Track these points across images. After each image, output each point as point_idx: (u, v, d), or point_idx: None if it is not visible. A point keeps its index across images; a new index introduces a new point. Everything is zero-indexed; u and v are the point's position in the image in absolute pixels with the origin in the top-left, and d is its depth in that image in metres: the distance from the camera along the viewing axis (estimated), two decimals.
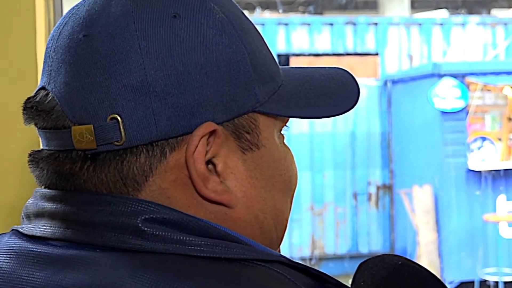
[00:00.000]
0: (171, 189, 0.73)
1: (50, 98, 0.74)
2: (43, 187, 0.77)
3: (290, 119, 0.81)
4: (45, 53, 0.77)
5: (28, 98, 0.77)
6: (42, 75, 0.77)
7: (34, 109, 0.75)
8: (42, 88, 0.75)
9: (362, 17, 9.62)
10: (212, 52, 0.73)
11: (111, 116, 0.71)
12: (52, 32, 0.78)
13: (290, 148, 0.82)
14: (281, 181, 0.79)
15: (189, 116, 0.72)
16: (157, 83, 0.71)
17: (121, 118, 0.70)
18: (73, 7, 0.77)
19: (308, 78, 0.82)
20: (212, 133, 0.73)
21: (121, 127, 0.70)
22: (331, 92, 0.82)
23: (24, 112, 0.77)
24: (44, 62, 0.77)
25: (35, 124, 0.76)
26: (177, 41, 0.72)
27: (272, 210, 0.78)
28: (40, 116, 0.74)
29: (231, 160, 0.75)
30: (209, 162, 0.74)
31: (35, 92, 0.77)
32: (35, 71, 1.44)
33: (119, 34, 0.71)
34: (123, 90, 0.71)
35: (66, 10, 1.57)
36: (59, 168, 0.74)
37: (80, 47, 0.72)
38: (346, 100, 0.83)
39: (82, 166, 0.72)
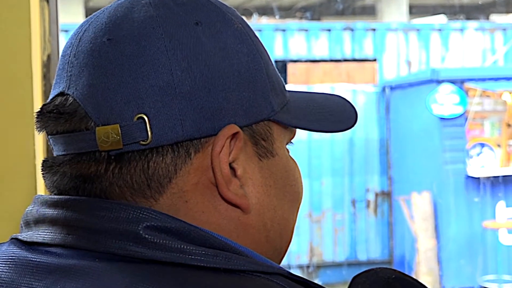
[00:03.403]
0: (191, 192, 0.74)
1: (71, 101, 0.74)
2: (54, 193, 0.77)
3: (296, 133, 0.84)
4: (62, 60, 0.78)
5: (44, 104, 0.77)
6: (59, 82, 0.77)
7: (54, 113, 0.75)
8: (60, 94, 0.76)
9: (360, 23, 9.64)
10: (233, 58, 0.75)
11: (138, 115, 0.72)
12: (68, 41, 0.78)
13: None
14: (291, 191, 0.81)
15: (213, 118, 0.73)
16: (183, 84, 0.72)
17: (147, 118, 0.71)
18: (91, 17, 0.78)
19: (310, 98, 0.86)
20: (234, 136, 0.74)
21: (148, 127, 0.71)
22: (333, 111, 0.86)
23: (39, 118, 0.77)
24: (60, 69, 0.77)
25: (51, 131, 0.76)
26: (201, 45, 0.74)
27: (281, 219, 0.79)
28: (61, 119, 0.74)
29: (249, 165, 0.76)
30: (229, 166, 0.75)
31: (50, 99, 0.77)
32: (30, 78, 1.44)
33: (145, 36, 0.73)
34: (150, 90, 0.72)
35: (61, 18, 1.57)
36: (84, 171, 0.74)
37: (104, 50, 0.74)
38: (347, 119, 0.86)
39: (107, 168, 0.73)
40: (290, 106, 0.81)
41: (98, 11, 0.79)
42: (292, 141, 0.84)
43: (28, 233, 0.76)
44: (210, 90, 0.73)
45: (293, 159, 0.83)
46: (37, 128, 0.77)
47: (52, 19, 1.50)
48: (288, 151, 0.83)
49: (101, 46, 0.74)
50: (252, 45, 0.78)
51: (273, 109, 0.78)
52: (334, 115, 0.85)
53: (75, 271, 0.70)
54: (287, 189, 0.80)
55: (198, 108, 0.73)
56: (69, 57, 0.76)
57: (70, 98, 0.74)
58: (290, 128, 0.82)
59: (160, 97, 0.72)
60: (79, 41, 0.76)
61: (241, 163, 0.75)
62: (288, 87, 0.82)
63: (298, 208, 0.83)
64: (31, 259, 0.73)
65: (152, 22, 0.74)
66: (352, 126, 0.86)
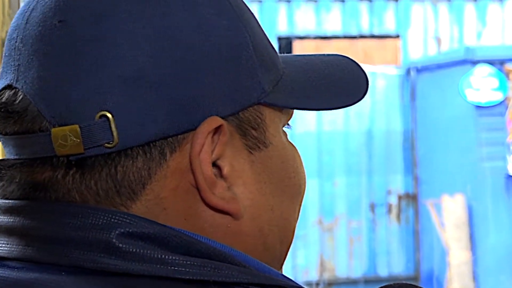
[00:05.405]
0: (169, 199, 0.74)
1: (20, 97, 0.74)
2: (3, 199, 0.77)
3: (294, 114, 0.84)
4: (8, 46, 0.77)
5: None
6: (6, 71, 0.76)
7: (2, 111, 0.75)
8: (8, 86, 0.75)
9: None
10: (212, 35, 0.75)
11: (100, 113, 0.71)
12: (14, 20, 0.78)
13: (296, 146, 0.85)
14: (290, 185, 0.81)
15: (191, 110, 0.73)
16: (152, 72, 0.72)
17: (112, 115, 0.71)
18: None
19: (309, 65, 0.85)
20: (217, 129, 0.74)
21: (113, 126, 0.71)
22: (338, 81, 0.85)
23: None
24: (6, 56, 0.77)
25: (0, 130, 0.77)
26: (172, 23, 0.74)
27: (280, 220, 0.80)
28: (10, 119, 0.74)
29: (238, 162, 0.76)
30: (213, 164, 0.75)
31: None
32: None
33: (105, 16, 0.73)
34: (113, 82, 0.72)
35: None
36: (35, 177, 0.74)
37: (56, 35, 0.73)
38: (355, 89, 0.85)
39: (65, 174, 0.73)
40: (286, 81, 0.80)
41: None
42: (289, 123, 0.83)
43: None
44: (185, 77, 0.73)
45: (291, 144, 0.82)
46: None
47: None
48: (286, 135, 0.83)
49: (52, 29, 0.73)
50: (234, 16, 0.77)
51: (264, 90, 0.77)
52: (339, 85, 0.84)
53: (37, 287, 0.70)
54: (286, 182, 0.80)
55: (172, 99, 0.73)
56: (16, 42, 0.76)
57: (20, 93, 0.74)
58: (286, 109, 0.81)
59: (125, 89, 0.72)
60: (26, 23, 0.76)
61: (227, 159, 0.75)
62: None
63: (301, 203, 0.83)
64: None
65: None
66: (363, 96, 0.85)
